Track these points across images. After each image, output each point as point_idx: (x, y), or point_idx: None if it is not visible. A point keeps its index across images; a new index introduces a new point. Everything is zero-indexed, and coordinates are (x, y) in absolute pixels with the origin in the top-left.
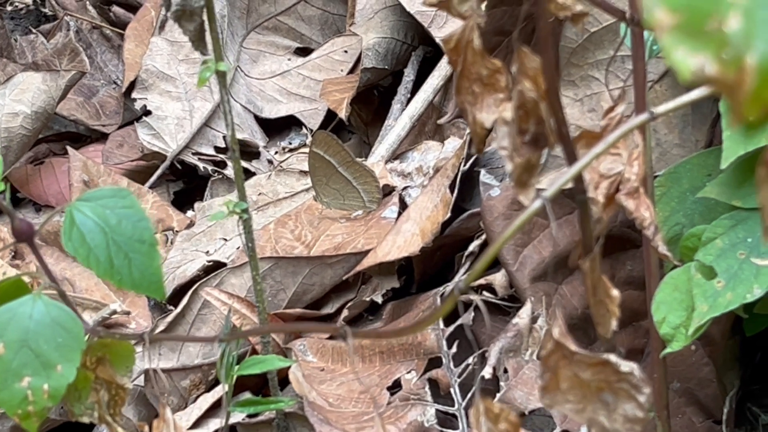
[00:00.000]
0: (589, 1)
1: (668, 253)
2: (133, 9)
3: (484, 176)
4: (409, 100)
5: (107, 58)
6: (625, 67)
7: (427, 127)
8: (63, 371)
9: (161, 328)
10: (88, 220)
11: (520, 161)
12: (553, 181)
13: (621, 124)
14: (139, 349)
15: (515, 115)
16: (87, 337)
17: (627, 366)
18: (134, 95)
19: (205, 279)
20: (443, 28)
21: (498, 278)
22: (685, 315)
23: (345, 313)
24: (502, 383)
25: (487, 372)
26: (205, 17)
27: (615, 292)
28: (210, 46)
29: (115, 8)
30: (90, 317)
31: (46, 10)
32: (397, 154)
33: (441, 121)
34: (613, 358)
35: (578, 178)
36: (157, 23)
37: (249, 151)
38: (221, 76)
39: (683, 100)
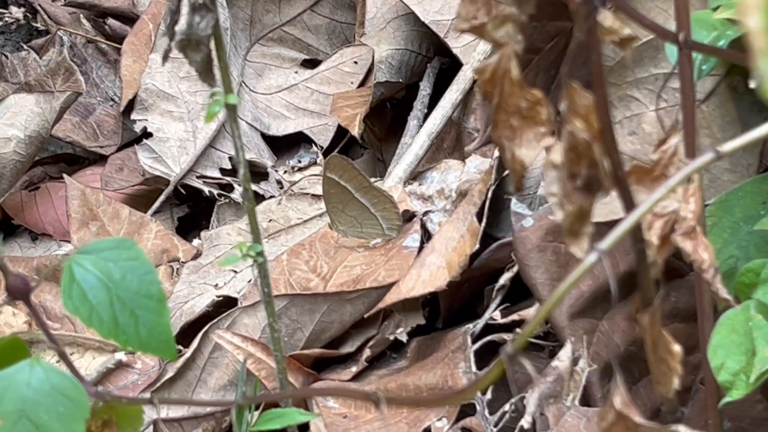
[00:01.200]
0: (637, 23)
1: (729, 297)
2: (130, 21)
3: (515, 205)
4: (426, 116)
5: (103, 74)
6: (667, 86)
7: (446, 144)
8: None
9: (170, 374)
10: (89, 275)
11: (571, 209)
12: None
13: (675, 157)
14: (146, 395)
15: (565, 158)
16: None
17: None
18: (134, 116)
19: (216, 320)
20: (460, 38)
21: (532, 314)
22: (745, 360)
23: (367, 352)
24: None
25: (526, 421)
26: (212, 46)
27: (677, 348)
28: (218, 77)
29: (111, 21)
30: (93, 359)
31: (38, 24)
32: (415, 174)
33: (470, 148)
34: (682, 429)
35: (636, 227)
36: (156, 38)
37: (257, 172)
38: (231, 109)
39: (756, 136)
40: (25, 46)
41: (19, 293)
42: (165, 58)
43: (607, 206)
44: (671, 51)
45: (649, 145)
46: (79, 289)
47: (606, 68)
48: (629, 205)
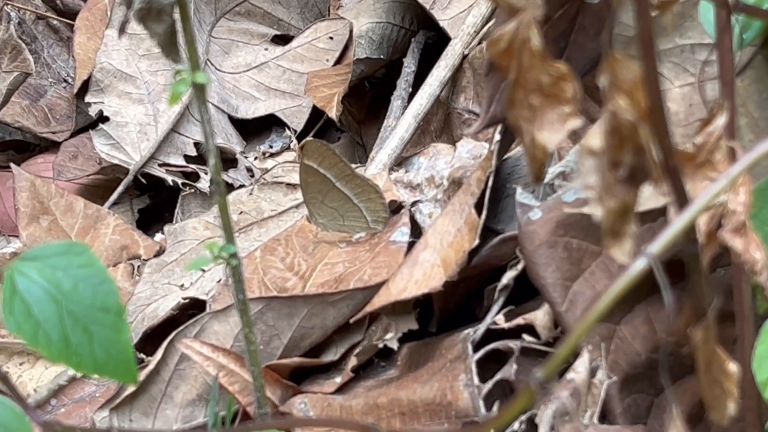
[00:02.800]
0: None
1: None
2: None
3: (521, 195)
4: (411, 96)
5: (55, 53)
6: (694, 58)
7: (433, 126)
8: None
9: (132, 388)
10: (34, 286)
11: (613, 204)
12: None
13: (721, 140)
14: (104, 413)
15: (606, 143)
16: None
17: None
18: (88, 98)
19: (183, 327)
20: (447, 9)
21: (540, 317)
22: None
23: (353, 361)
24: None
25: None
26: (177, 16)
27: (733, 368)
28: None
29: None
30: (45, 369)
31: None
32: (399, 160)
33: (470, 131)
34: None
35: (690, 227)
36: (112, 12)
37: (224, 158)
38: (199, 90)
39: None
40: None
41: None
42: (122, 31)
43: None
44: (707, 17)
45: (676, 126)
46: (22, 302)
47: (624, 39)
48: (682, 199)
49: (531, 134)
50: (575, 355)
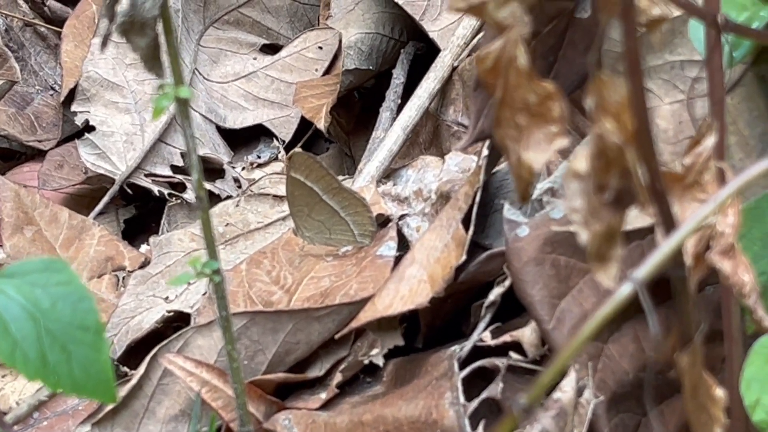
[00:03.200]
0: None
1: None
2: (71, 2)
3: (508, 211)
4: (400, 107)
5: (42, 60)
6: (684, 75)
7: (422, 138)
8: None
9: (113, 403)
10: (12, 304)
11: (598, 228)
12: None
13: (710, 161)
14: (86, 428)
15: (592, 166)
16: None
17: None
18: (74, 108)
19: (166, 341)
20: (437, 20)
21: (527, 334)
22: None
23: (338, 377)
24: None
25: None
26: (160, 29)
27: (720, 394)
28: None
29: (51, 2)
30: (28, 381)
31: None
32: (388, 172)
33: (458, 146)
34: None
35: (678, 251)
36: (99, 21)
37: (212, 168)
38: (182, 104)
39: None
40: None
41: None
42: (104, 43)
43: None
44: (696, 35)
45: (665, 144)
46: None
47: (614, 55)
48: (669, 223)
49: (517, 154)
50: (562, 374)
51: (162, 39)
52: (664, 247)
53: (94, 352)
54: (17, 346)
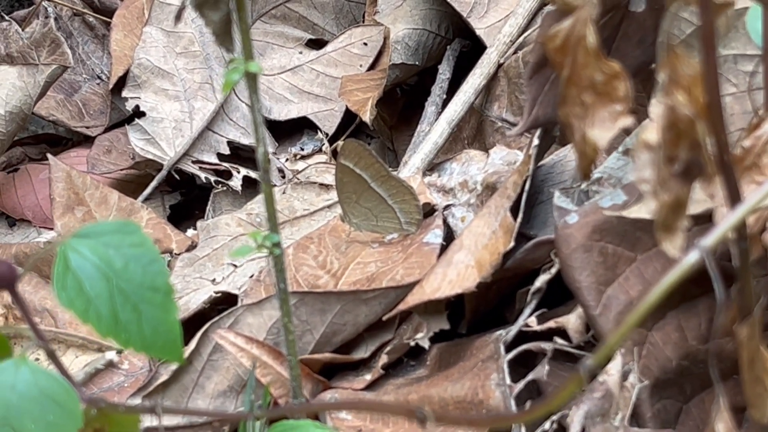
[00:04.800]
0: None
1: None
2: None
3: (558, 199)
4: (445, 102)
5: (90, 50)
6: (737, 68)
7: (465, 133)
8: None
9: (164, 377)
10: (86, 263)
11: (666, 198)
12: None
13: None
14: (136, 401)
15: (662, 138)
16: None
17: None
18: (125, 93)
19: (216, 318)
20: (484, 18)
21: (572, 321)
22: None
23: (383, 358)
24: None
25: None
26: (232, 5)
27: None
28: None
29: None
30: (75, 357)
31: None
32: (431, 165)
33: (512, 132)
34: None
35: (741, 223)
36: (150, 11)
37: (256, 158)
38: (252, 79)
39: None
40: (6, 17)
41: (4, 281)
42: (178, 17)
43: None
44: (754, 26)
45: None
46: (74, 278)
47: (665, 48)
48: (735, 196)
49: (582, 131)
50: (608, 358)
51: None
52: (730, 217)
53: (163, 312)
54: (91, 303)
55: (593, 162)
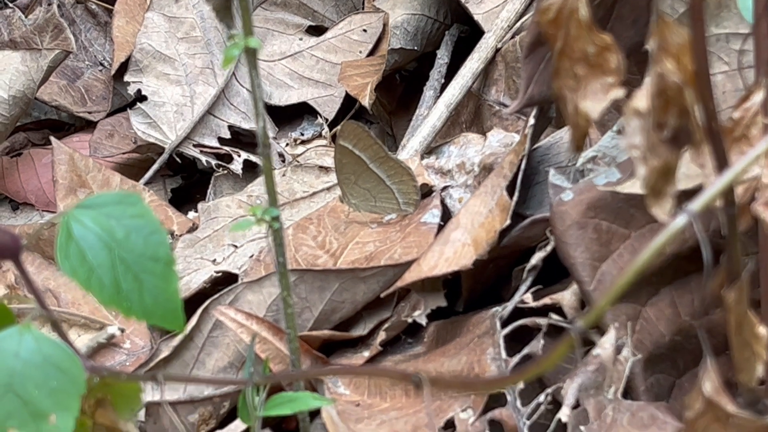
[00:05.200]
0: None
1: None
2: None
3: (553, 177)
4: (443, 86)
5: (93, 37)
6: (729, 47)
7: (463, 117)
8: (58, 423)
9: (165, 353)
10: (89, 233)
11: (655, 164)
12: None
13: (758, 116)
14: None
15: (652, 105)
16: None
17: None
18: (127, 78)
19: (217, 296)
20: (482, 3)
21: (567, 297)
22: None
23: (381, 335)
24: (582, 427)
25: (564, 414)
26: None
27: (763, 331)
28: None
29: None
30: (78, 336)
31: None
32: (430, 148)
33: (508, 110)
34: None
35: (729, 189)
36: None
37: (256, 143)
38: (251, 55)
39: None
40: (9, 4)
41: (8, 251)
42: None
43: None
44: (745, 3)
45: None
46: (77, 247)
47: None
48: (722, 162)
49: (575, 103)
50: (602, 332)
51: None
52: (717, 183)
53: (164, 282)
54: (93, 272)
55: (586, 133)
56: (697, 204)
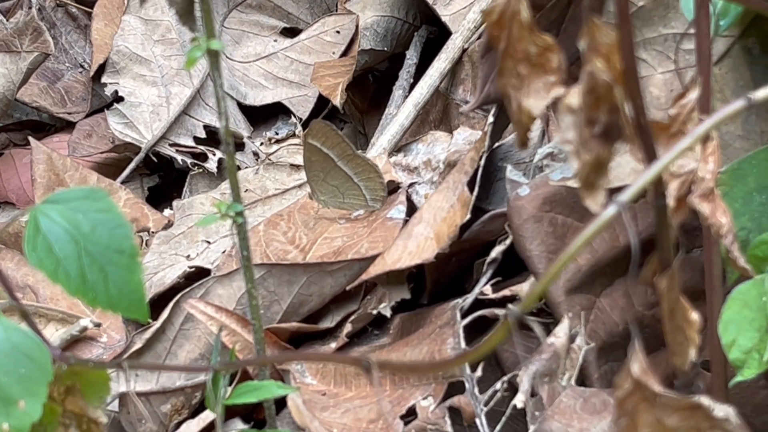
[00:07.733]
0: None
1: (748, 267)
2: None
3: (510, 172)
4: (412, 86)
5: (72, 39)
6: (676, 47)
7: (432, 116)
8: (26, 408)
9: (138, 345)
10: (56, 227)
11: (588, 158)
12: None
13: (694, 113)
14: (111, 370)
15: (583, 102)
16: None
17: (722, 410)
18: (104, 79)
19: (188, 289)
20: (450, 5)
21: (525, 289)
22: (758, 337)
23: (348, 327)
24: (536, 413)
25: (519, 400)
26: None
27: (695, 317)
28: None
29: None
30: (56, 330)
31: None
32: (399, 146)
33: (465, 108)
34: (705, 401)
35: (657, 180)
36: (129, 0)
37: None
38: (213, 56)
39: None
40: None
41: None
42: (143, 0)
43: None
44: (687, 4)
45: (656, 110)
46: (44, 240)
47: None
48: (651, 155)
49: (518, 101)
50: (556, 322)
51: None
52: (646, 174)
53: (128, 273)
54: (60, 264)
55: (529, 130)
56: (626, 195)
